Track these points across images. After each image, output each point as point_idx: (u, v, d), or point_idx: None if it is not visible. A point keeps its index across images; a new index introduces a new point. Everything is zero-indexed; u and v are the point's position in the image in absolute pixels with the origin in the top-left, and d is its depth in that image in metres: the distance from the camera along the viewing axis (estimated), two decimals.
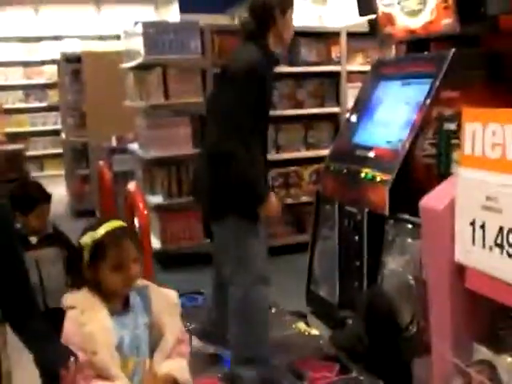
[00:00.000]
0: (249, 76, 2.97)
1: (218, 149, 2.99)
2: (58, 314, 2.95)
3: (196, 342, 3.51)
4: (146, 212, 2.53)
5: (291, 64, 5.74)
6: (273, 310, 4.21)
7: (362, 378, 3.27)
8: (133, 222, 3.02)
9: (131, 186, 2.76)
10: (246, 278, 3.09)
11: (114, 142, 7.09)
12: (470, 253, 1.41)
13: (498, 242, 1.32)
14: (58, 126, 9.76)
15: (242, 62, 3.03)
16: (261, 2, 3.13)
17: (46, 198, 2.99)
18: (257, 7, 3.14)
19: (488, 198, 1.35)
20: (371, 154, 3.74)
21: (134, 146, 6.15)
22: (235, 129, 2.95)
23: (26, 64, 10.76)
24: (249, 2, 3.21)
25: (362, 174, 3.66)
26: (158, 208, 5.59)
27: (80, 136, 7.71)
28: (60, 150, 9.56)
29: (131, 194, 2.72)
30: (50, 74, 10.47)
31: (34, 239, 2.90)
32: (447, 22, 3.42)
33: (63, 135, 8.53)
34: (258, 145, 3.12)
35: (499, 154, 1.32)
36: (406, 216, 3.30)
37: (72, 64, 7.76)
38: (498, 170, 1.32)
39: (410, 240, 3.29)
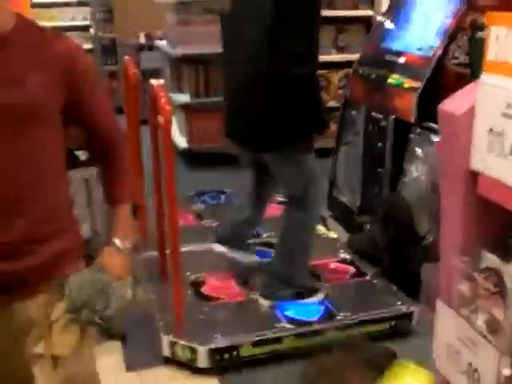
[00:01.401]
0: None
1: (290, 72, 2.74)
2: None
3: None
4: (168, 108, 2.52)
5: None
6: None
7: (375, 281, 3.33)
8: (156, 118, 3.03)
9: (154, 81, 2.74)
10: (309, 203, 3.06)
11: (142, 39, 7.03)
12: (485, 160, 1.40)
13: None
14: (88, 22, 9.64)
15: None
16: None
17: None
18: None
19: (509, 106, 1.32)
20: (401, 60, 3.66)
21: (163, 43, 6.08)
22: (306, 47, 2.79)
23: None
24: None
25: (391, 80, 3.60)
26: (185, 107, 5.60)
27: (109, 32, 7.64)
28: (89, 46, 9.49)
29: (154, 90, 2.71)
30: None
31: (81, 155, 2.49)
32: None
33: (92, 31, 8.44)
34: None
35: None
36: (432, 124, 3.26)
37: None
38: None
39: (433, 149, 3.27)
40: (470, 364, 1.49)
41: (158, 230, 3.28)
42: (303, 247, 3.13)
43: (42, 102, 1.55)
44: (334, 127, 3.40)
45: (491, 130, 1.36)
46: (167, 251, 3.09)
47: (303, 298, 3.13)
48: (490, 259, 1.48)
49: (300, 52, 2.77)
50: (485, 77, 1.38)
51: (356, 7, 5.73)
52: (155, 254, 3.35)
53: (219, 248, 3.43)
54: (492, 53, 1.34)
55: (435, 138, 3.24)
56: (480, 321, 1.50)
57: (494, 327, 1.47)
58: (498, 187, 1.36)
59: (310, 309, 3.05)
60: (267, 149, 2.96)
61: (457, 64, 3.33)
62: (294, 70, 2.74)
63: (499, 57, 1.31)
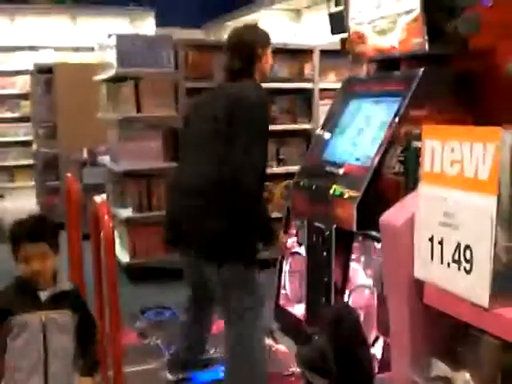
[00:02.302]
0: (262, 111, 3.02)
1: (241, 188, 2.87)
2: None
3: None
4: (110, 225, 2.51)
5: None
6: None
7: None
8: (99, 235, 2.98)
9: (97, 198, 2.73)
10: (250, 317, 3.08)
11: (85, 154, 7.06)
12: (428, 268, 1.42)
13: (456, 258, 1.33)
14: (30, 137, 9.68)
15: (252, 99, 2.99)
16: (244, 42, 3.18)
17: (41, 233, 2.30)
18: (240, 47, 3.17)
19: (446, 215, 1.36)
20: (340, 171, 3.75)
21: (105, 159, 6.12)
22: (255, 167, 2.93)
23: None
24: (229, 42, 3.24)
25: (331, 191, 3.67)
26: (127, 221, 5.56)
27: (51, 147, 7.65)
28: (31, 161, 9.47)
29: (97, 207, 2.70)
30: (23, 84, 10.38)
31: (44, 295, 2.31)
32: (417, 41, 3.46)
33: (34, 146, 8.45)
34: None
35: (457, 171, 1.33)
36: (374, 233, 3.31)
37: (44, 75, 7.73)
38: (456, 186, 1.33)
39: (374, 257, 3.31)
40: None
41: (99, 350, 3.15)
42: (256, 364, 3.05)
43: None
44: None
45: (431, 238, 1.39)
46: (110, 373, 2.96)
47: None
48: (440, 368, 1.47)
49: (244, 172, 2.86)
50: (422, 188, 1.43)
51: (295, 121, 5.94)
52: None
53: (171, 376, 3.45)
54: (428, 164, 1.39)
55: (377, 246, 3.29)
56: None
57: None
58: (443, 295, 1.37)
59: None
60: (215, 258, 2.97)
61: (393, 173, 3.44)
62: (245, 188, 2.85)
63: (435, 168, 1.36)
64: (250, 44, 3.16)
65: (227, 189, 2.85)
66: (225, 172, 2.86)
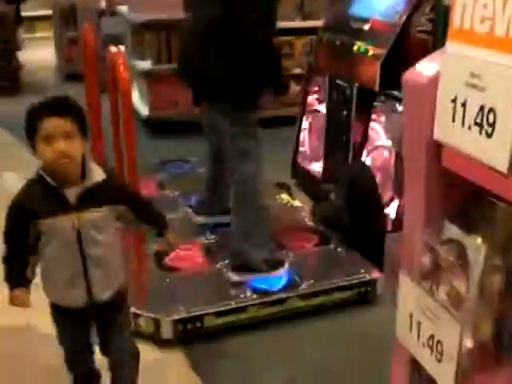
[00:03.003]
0: None
1: (252, 35, 2.74)
2: (110, 309, 2.07)
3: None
4: (126, 76, 2.46)
5: None
6: None
7: (339, 249, 3.33)
8: (116, 86, 2.95)
9: (113, 48, 2.66)
10: (251, 166, 3.03)
11: (103, 4, 6.86)
12: (449, 130, 1.37)
13: (478, 121, 1.28)
14: None
15: None
16: None
17: (67, 108, 1.85)
18: None
19: (472, 75, 1.29)
20: (366, 26, 3.61)
21: (124, 9, 5.94)
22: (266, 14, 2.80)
23: None
24: None
25: (355, 47, 3.56)
26: (146, 74, 5.49)
27: None
28: (49, 12, 9.23)
29: (113, 57, 2.63)
30: None
31: (71, 194, 1.85)
32: None
33: None
34: None
35: (488, 29, 1.25)
36: (396, 93, 3.24)
37: None
38: (485, 46, 1.25)
39: (396, 116, 3.25)
40: (432, 336, 1.49)
41: None
42: (256, 204, 3.10)
43: None
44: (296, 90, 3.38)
45: (454, 99, 1.34)
46: None
47: (271, 268, 3.09)
48: (453, 231, 1.46)
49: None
50: (449, 45, 1.35)
51: None
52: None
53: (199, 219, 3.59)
54: (457, 21, 1.31)
55: (399, 107, 3.23)
56: (442, 293, 1.50)
57: (455, 299, 1.46)
58: (462, 159, 1.33)
59: (274, 278, 3.03)
60: (214, 97, 2.98)
61: (421, 31, 3.30)
62: (251, 22, 2.72)
63: (465, 25, 1.28)
64: None
65: (229, 29, 2.73)
66: (226, 11, 2.71)
